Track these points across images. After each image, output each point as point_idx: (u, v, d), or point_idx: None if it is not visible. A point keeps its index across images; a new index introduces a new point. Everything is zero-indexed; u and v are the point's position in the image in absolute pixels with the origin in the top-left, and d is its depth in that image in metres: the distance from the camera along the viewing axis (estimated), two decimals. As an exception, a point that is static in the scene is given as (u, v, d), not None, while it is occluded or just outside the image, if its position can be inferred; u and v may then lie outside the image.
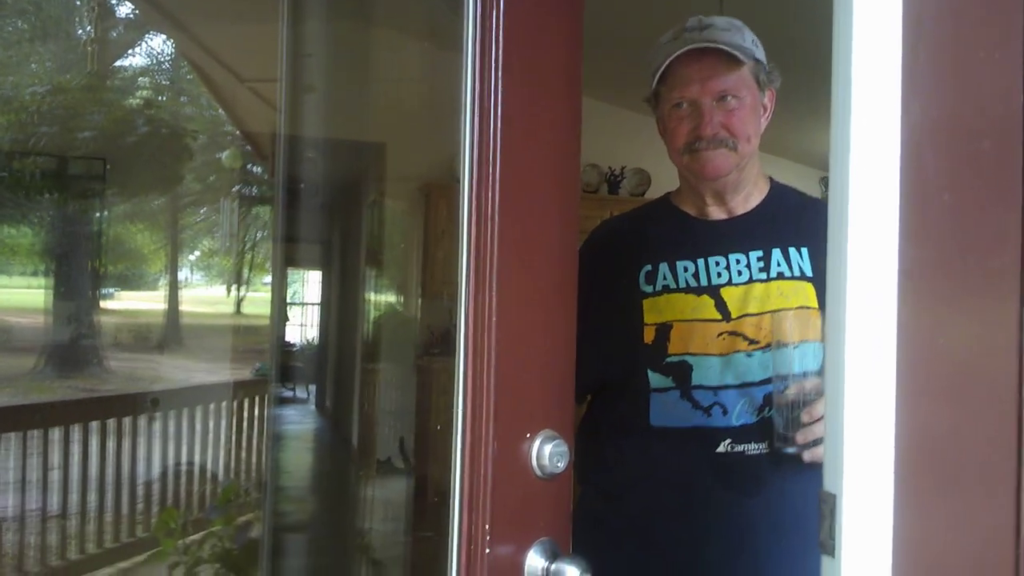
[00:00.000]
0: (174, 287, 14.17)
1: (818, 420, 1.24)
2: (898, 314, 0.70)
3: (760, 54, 1.45)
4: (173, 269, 14.14)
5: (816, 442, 1.25)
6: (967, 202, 0.70)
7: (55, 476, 3.48)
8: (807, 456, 1.27)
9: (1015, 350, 0.68)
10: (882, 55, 0.72)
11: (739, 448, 1.41)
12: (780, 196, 1.55)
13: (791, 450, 1.29)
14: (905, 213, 0.71)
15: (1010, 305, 0.68)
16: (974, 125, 0.70)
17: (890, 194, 0.71)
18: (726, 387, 1.42)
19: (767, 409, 1.40)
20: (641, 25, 3.66)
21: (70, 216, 7.36)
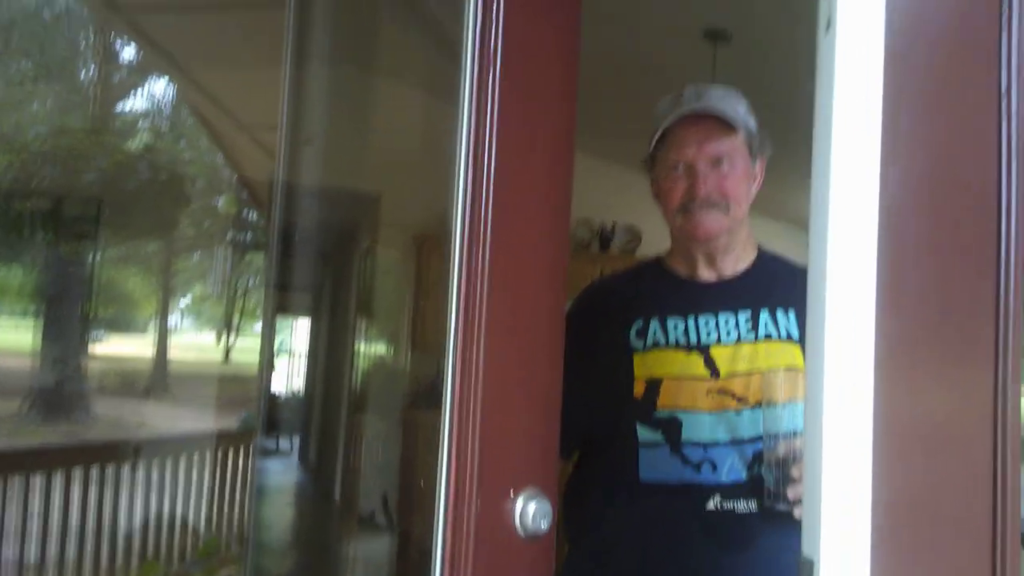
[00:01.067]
0: (163, 333, 14.09)
1: None
2: (875, 380, 0.71)
3: (753, 124, 1.51)
4: (163, 314, 14.08)
5: None
6: (944, 269, 0.71)
7: (34, 525, 3.41)
8: (798, 512, 1.26)
9: (990, 415, 0.69)
10: (863, 122, 0.74)
11: (728, 505, 1.41)
12: (768, 262, 1.59)
13: (782, 507, 1.29)
14: (883, 280, 0.72)
15: (985, 371, 0.69)
16: (952, 193, 0.72)
17: (868, 260, 0.72)
18: (717, 443, 1.42)
19: (757, 466, 1.40)
20: (634, 83, 3.74)
21: (63, 258, 7.36)
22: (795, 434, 1.28)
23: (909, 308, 0.73)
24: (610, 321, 1.55)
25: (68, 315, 8.70)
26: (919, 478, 0.73)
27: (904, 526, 0.72)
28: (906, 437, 0.72)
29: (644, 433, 1.45)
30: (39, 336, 8.79)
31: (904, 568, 0.71)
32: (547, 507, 0.99)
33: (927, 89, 0.73)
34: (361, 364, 4.62)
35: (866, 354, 0.72)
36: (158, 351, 13.78)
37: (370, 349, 4.96)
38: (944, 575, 0.72)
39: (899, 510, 0.71)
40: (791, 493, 1.27)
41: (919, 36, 0.73)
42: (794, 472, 1.27)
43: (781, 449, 1.29)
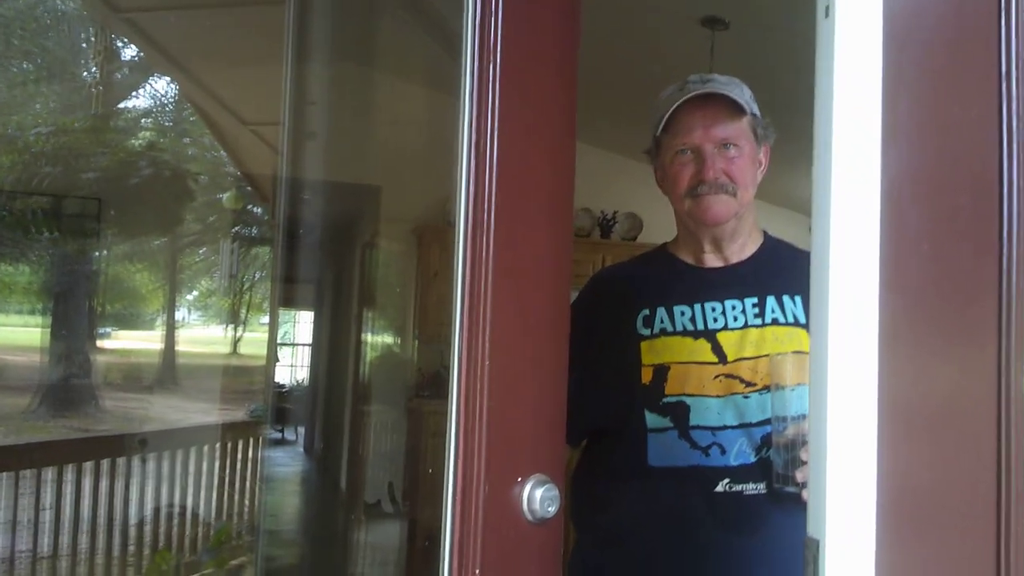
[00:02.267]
0: (171, 327, 14.15)
1: None
2: (879, 361, 0.72)
3: (757, 110, 1.51)
4: (170, 309, 14.15)
5: None
6: (946, 252, 0.72)
7: (47, 516, 3.45)
8: (807, 495, 1.27)
9: (993, 395, 0.69)
10: (863, 107, 0.74)
11: (737, 488, 1.42)
12: (774, 248, 1.59)
13: (791, 489, 1.30)
14: (885, 262, 0.73)
15: (988, 352, 0.70)
16: (952, 178, 0.73)
17: (871, 243, 0.73)
18: (725, 427, 1.43)
19: (765, 449, 1.41)
20: (633, 71, 3.75)
21: (68, 255, 7.39)
22: (804, 417, 1.29)
23: (911, 289, 0.73)
24: (616, 309, 1.55)
25: (76, 311, 8.74)
26: (923, 457, 0.73)
27: (909, 504, 0.72)
28: (910, 417, 0.73)
29: (652, 419, 1.46)
30: (48, 332, 8.84)
31: (909, 546, 0.72)
32: (555, 493, 1.00)
33: (926, 73, 0.74)
34: (366, 354, 4.65)
35: (869, 335, 0.73)
36: (166, 345, 13.84)
37: (374, 339, 4.99)
38: (949, 553, 0.73)
39: (904, 489, 0.72)
40: (800, 475, 1.28)
41: (918, 20, 0.73)
42: (803, 455, 1.27)
43: (790, 432, 1.29)
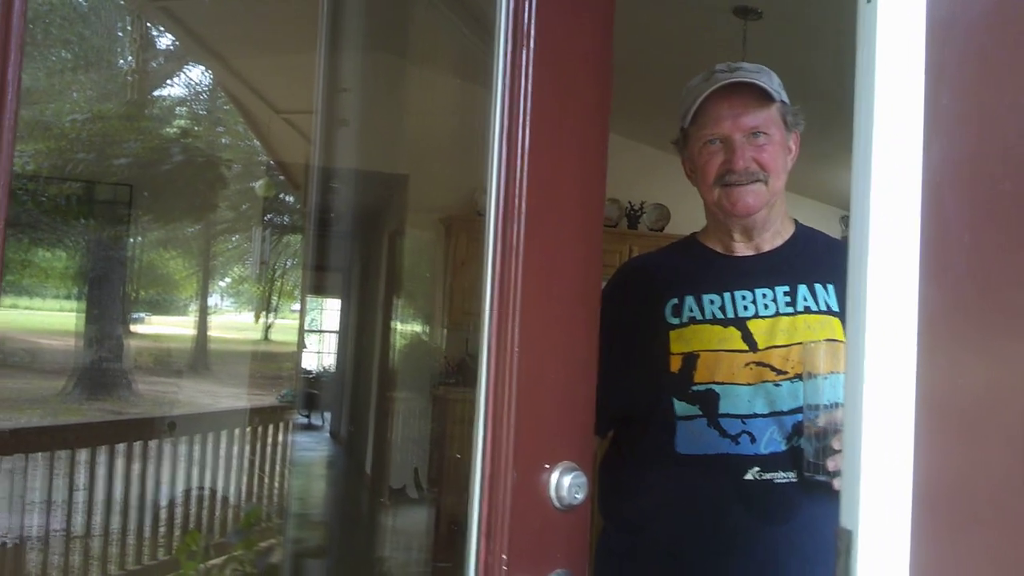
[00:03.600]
0: (203, 313, 14.32)
1: None
2: (917, 353, 0.71)
3: (786, 97, 1.49)
4: (203, 295, 14.31)
5: None
6: (987, 243, 0.70)
7: (80, 497, 3.52)
8: (837, 484, 1.26)
9: (1034, 390, 0.68)
10: (905, 95, 0.73)
11: (767, 476, 1.41)
12: (806, 236, 1.58)
13: (821, 478, 1.29)
14: (925, 253, 0.71)
15: (1029, 345, 0.69)
16: (995, 167, 0.71)
17: (911, 233, 0.72)
18: (755, 415, 1.43)
19: (796, 438, 1.40)
20: (663, 62, 3.72)
21: (103, 241, 7.50)
22: (836, 405, 1.28)
23: (951, 280, 0.72)
24: (645, 298, 1.55)
25: (110, 296, 8.87)
26: (961, 451, 0.72)
27: (945, 498, 0.71)
28: (948, 410, 0.72)
29: (681, 407, 1.45)
30: (83, 317, 8.99)
31: (944, 540, 0.71)
32: (583, 480, 1.00)
33: (971, 58, 0.72)
34: (392, 341, 4.68)
35: (908, 326, 0.72)
36: (199, 331, 14.02)
37: (401, 327, 5.02)
38: (985, 548, 0.72)
39: (940, 482, 0.71)
40: (831, 464, 1.27)
41: (963, 8, 0.72)
42: (834, 443, 1.26)
43: (822, 420, 1.28)
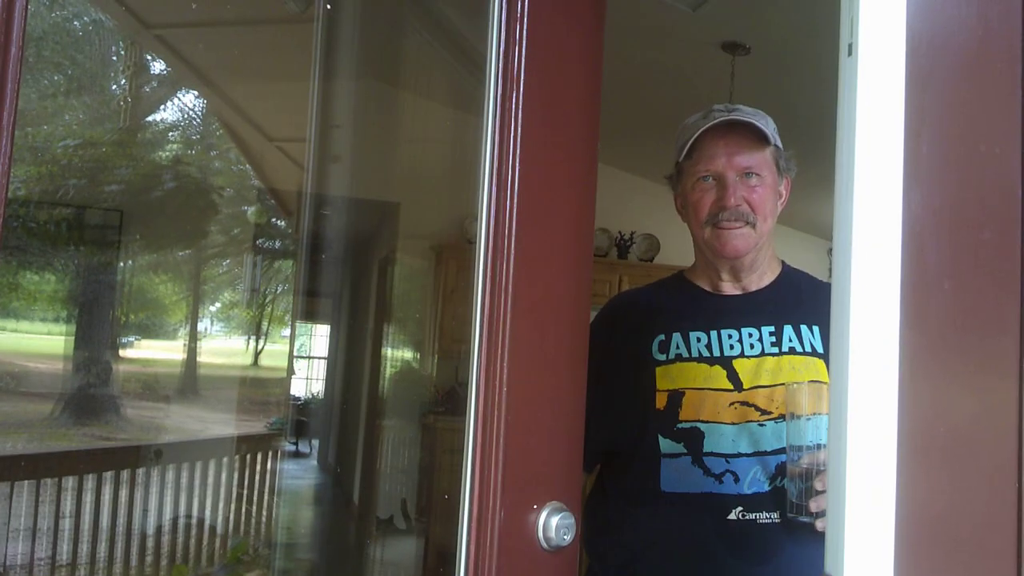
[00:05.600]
0: (193, 337, 14.22)
1: None
2: (899, 398, 0.71)
3: (780, 143, 1.52)
4: (193, 320, 14.21)
5: None
6: (967, 289, 0.72)
7: (66, 525, 3.48)
8: (820, 525, 1.27)
9: (1014, 429, 0.69)
10: (885, 144, 0.74)
11: (750, 516, 1.42)
12: (792, 277, 1.60)
13: (804, 519, 1.29)
14: (906, 298, 0.72)
15: (1009, 386, 0.69)
16: (974, 215, 0.72)
17: (891, 281, 0.73)
18: (739, 455, 1.43)
19: (780, 478, 1.41)
20: (653, 94, 3.76)
21: (92, 265, 7.48)
22: (819, 447, 1.28)
23: (933, 326, 0.73)
24: (632, 333, 1.56)
25: (99, 321, 8.82)
26: (943, 492, 0.73)
27: (927, 539, 0.72)
28: (930, 452, 0.73)
29: (666, 444, 1.46)
30: (71, 341, 8.92)
31: (926, 585, 0.71)
32: (570, 520, 1.00)
33: (949, 109, 0.74)
34: (381, 369, 4.66)
35: (890, 370, 0.73)
36: (188, 355, 13.91)
37: (390, 354, 5.01)
38: (967, 594, 0.72)
39: (923, 523, 0.72)
40: (813, 505, 1.27)
41: (941, 58, 0.73)
42: (817, 484, 1.27)
43: (805, 461, 1.29)
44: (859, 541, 0.72)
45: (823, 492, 1.26)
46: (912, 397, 0.72)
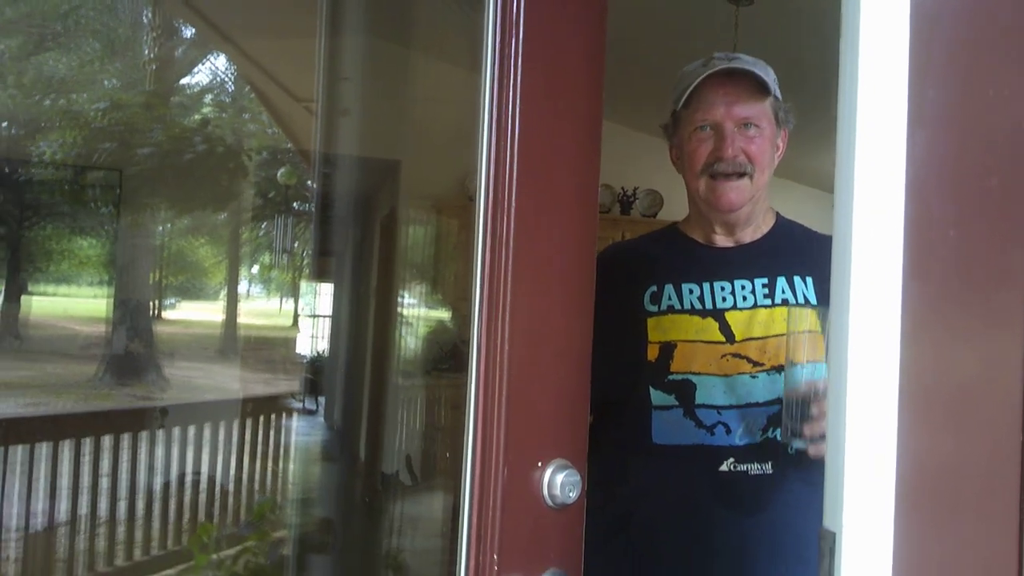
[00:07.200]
0: (232, 299, 14.46)
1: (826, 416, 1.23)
2: (901, 349, 0.69)
3: (779, 94, 1.49)
4: (232, 282, 14.44)
5: (823, 437, 1.24)
6: (972, 238, 0.68)
7: (104, 483, 3.57)
8: (812, 451, 1.25)
9: (1019, 382, 0.66)
10: (889, 88, 0.71)
11: (742, 467, 1.42)
12: (786, 229, 1.58)
13: (798, 443, 1.28)
14: (909, 248, 0.69)
15: (1014, 338, 0.67)
16: (981, 162, 0.69)
17: (895, 228, 0.70)
18: (731, 407, 1.43)
19: (771, 430, 1.41)
20: (657, 48, 3.68)
21: (131, 228, 7.60)
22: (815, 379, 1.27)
23: (936, 276, 0.70)
24: (624, 285, 1.54)
25: (140, 283, 9.00)
26: (945, 446, 0.71)
27: (928, 494, 0.70)
28: (932, 405, 0.71)
29: (657, 396, 1.46)
30: (113, 304, 9.12)
31: (928, 538, 0.70)
32: (576, 478, 0.99)
33: (956, 51, 0.70)
34: (387, 327, 4.70)
35: (892, 321, 0.70)
36: (227, 317, 14.16)
37: (396, 313, 5.04)
38: (969, 544, 0.70)
39: (924, 477, 0.70)
40: (807, 430, 1.26)
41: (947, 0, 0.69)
42: (813, 409, 1.25)
43: (802, 387, 1.27)
44: (859, 496, 0.71)
45: (819, 417, 1.24)
46: (914, 350, 0.70)
